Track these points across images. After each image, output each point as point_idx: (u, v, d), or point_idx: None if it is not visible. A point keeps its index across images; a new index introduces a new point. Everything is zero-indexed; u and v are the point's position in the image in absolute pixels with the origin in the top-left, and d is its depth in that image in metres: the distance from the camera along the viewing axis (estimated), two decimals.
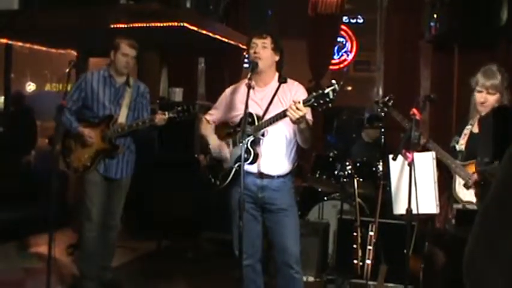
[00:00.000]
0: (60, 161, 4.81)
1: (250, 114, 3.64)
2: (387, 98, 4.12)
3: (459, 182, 3.79)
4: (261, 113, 3.72)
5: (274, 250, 3.95)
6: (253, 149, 3.70)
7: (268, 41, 3.79)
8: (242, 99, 3.71)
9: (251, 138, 3.67)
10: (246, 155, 3.54)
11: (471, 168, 3.72)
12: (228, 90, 4.10)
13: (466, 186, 3.73)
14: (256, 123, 3.69)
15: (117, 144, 4.78)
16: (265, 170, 3.79)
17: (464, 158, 3.79)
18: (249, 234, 3.68)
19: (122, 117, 4.77)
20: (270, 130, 3.70)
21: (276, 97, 3.72)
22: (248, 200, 3.73)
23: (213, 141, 3.99)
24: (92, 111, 4.77)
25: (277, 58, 3.86)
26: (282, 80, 3.74)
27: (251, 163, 3.71)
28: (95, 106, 4.76)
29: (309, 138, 3.71)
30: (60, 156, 4.80)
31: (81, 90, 4.76)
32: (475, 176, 3.66)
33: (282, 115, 3.49)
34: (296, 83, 3.90)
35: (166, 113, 4.64)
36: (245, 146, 3.51)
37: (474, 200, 3.72)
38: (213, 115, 4.12)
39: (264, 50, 3.77)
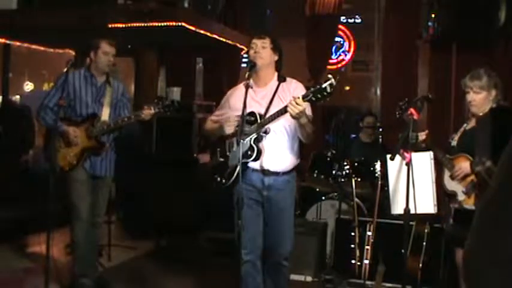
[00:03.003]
0: (44, 159, 4.86)
1: (253, 113, 3.82)
2: (402, 102, 4.26)
3: (447, 174, 3.95)
4: (262, 112, 3.85)
5: (266, 244, 4.04)
6: (257, 146, 3.82)
7: (267, 41, 3.95)
8: (244, 99, 3.86)
9: (254, 135, 3.80)
10: (249, 152, 3.77)
11: (457, 161, 3.88)
12: (230, 91, 4.23)
13: (451, 177, 3.90)
14: (259, 121, 3.82)
15: (103, 142, 4.83)
16: (271, 167, 3.90)
17: (456, 152, 3.95)
18: (251, 230, 3.88)
19: (105, 116, 4.84)
20: (273, 127, 3.82)
21: (276, 96, 3.88)
22: (252, 197, 3.90)
23: (222, 126, 4.01)
24: (75, 110, 4.81)
25: (276, 58, 4.01)
26: (281, 79, 3.94)
27: (254, 160, 3.84)
28: (77, 105, 4.81)
29: (310, 133, 3.84)
30: (43, 156, 4.86)
31: (63, 90, 4.72)
32: (459, 167, 3.84)
33: (283, 111, 3.62)
34: (294, 81, 4.04)
35: (152, 107, 4.70)
36: (248, 144, 3.78)
37: (457, 190, 3.86)
38: (218, 115, 4.23)
39: (263, 50, 3.92)
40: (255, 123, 3.82)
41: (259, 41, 3.95)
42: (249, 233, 3.86)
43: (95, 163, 4.85)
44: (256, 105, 3.87)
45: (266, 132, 3.82)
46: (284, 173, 3.94)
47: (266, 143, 3.86)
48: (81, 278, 4.86)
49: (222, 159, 4.03)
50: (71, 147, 4.76)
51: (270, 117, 3.77)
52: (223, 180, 3.96)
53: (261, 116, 3.83)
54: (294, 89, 3.88)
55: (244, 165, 3.80)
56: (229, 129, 3.95)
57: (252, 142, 3.81)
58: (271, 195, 3.92)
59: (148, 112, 4.69)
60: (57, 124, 4.65)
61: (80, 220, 4.79)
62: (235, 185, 3.89)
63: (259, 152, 3.82)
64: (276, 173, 3.91)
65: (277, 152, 3.89)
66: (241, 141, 3.67)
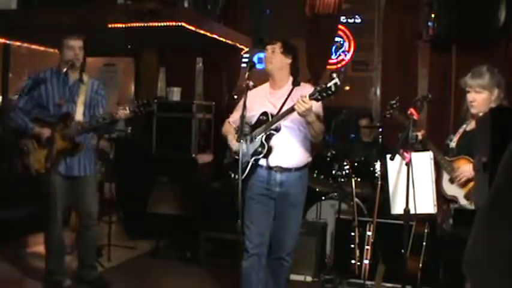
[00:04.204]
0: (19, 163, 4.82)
1: (266, 113, 4.05)
2: (393, 101, 4.28)
3: (445, 177, 3.86)
4: (275, 113, 4.03)
5: (272, 238, 4.17)
6: (267, 144, 4.01)
7: (277, 46, 4.13)
8: (259, 101, 4.10)
9: (264, 133, 4.00)
10: (260, 149, 4.00)
11: (458, 164, 3.80)
12: (248, 93, 4.31)
13: (451, 180, 3.82)
14: (270, 120, 4.02)
15: (78, 143, 4.77)
16: (283, 164, 4.06)
17: (455, 155, 3.86)
18: (260, 225, 4.07)
19: (79, 115, 4.77)
20: (285, 125, 4.00)
21: (289, 98, 4.03)
22: (264, 193, 4.08)
23: (233, 139, 4.25)
24: (48, 111, 4.75)
25: (288, 61, 4.15)
26: (295, 84, 4.12)
27: (265, 157, 4.02)
28: (50, 105, 4.74)
29: (319, 132, 4.01)
30: (16, 158, 4.81)
31: (34, 91, 4.72)
32: (461, 171, 3.74)
33: (291, 110, 3.80)
34: (308, 85, 4.25)
35: (127, 107, 4.68)
36: (259, 141, 4.02)
37: (458, 194, 3.78)
38: (234, 116, 4.36)
39: (273, 55, 4.12)
40: (266, 122, 4.01)
41: (269, 46, 4.14)
42: (258, 227, 4.05)
43: (71, 164, 4.79)
44: (270, 107, 4.09)
45: (277, 130, 4.00)
46: (296, 169, 4.09)
47: (279, 141, 4.03)
48: (53, 276, 4.88)
49: (236, 157, 4.14)
50: (46, 149, 4.69)
51: (278, 116, 3.96)
52: (236, 176, 4.08)
53: (272, 116, 4.02)
54: (306, 93, 3.96)
55: (256, 162, 4.05)
56: (235, 147, 4.16)
57: (263, 140, 4.01)
58: (283, 191, 4.08)
59: (122, 112, 4.65)
60: (29, 125, 4.67)
61: (55, 223, 4.75)
62: (248, 181, 4.09)
63: (270, 149, 4.01)
64: (289, 170, 4.07)
65: (290, 149, 4.06)
66: (242, 141, 3.85)
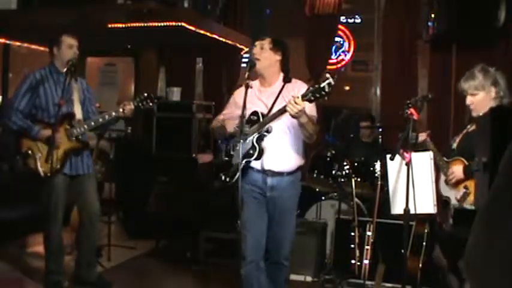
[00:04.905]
0: (21, 165, 4.76)
1: (256, 113, 3.90)
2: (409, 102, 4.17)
3: (443, 178, 3.87)
4: (266, 111, 3.90)
5: (268, 244, 4.06)
6: (259, 145, 3.88)
7: (266, 42, 3.98)
8: (249, 99, 3.91)
9: (256, 134, 3.86)
10: (251, 151, 3.85)
11: (454, 165, 3.80)
12: (237, 91, 4.24)
13: (446, 182, 3.83)
14: (261, 120, 3.88)
15: (85, 141, 4.79)
16: (275, 167, 3.93)
17: (454, 156, 3.86)
18: (255, 230, 3.94)
19: (78, 114, 4.77)
20: (276, 126, 3.86)
21: (280, 96, 3.91)
22: (256, 197, 3.97)
23: (225, 127, 4.10)
24: (48, 111, 4.69)
25: (278, 58, 4.01)
26: (286, 80, 3.99)
27: (256, 159, 3.89)
28: (50, 105, 4.69)
29: (312, 133, 3.86)
30: (21, 161, 4.75)
31: (33, 92, 4.68)
32: (451, 172, 3.76)
33: (283, 110, 3.67)
34: (300, 82, 4.08)
35: (132, 102, 4.68)
36: (250, 143, 3.87)
37: (450, 195, 3.80)
38: (225, 115, 4.26)
39: (261, 51, 3.97)
40: (257, 123, 3.87)
41: (258, 42, 4.02)
42: (253, 233, 3.93)
43: (76, 163, 4.78)
44: (261, 105, 3.95)
45: (268, 131, 3.86)
46: (288, 174, 3.97)
47: (270, 143, 3.90)
48: (53, 275, 4.84)
49: (226, 158, 4.07)
50: (51, 151, 4.58)
51: (270, 117, 3.82)
52: (227, 179, 3.99)
53: (263, 115, 3.89)
54: (298, 90, 3.86)
55: (248, 165, 3.90)
56: (230, 127, 4.01)
57: (254, 141, 3.87)
58: (274, 195, 3.96)
59: (129, 108, 4.65)
60: (34, 128, 4.62)
61: (56, 223, 4.73)
62: (237, 183, 3.95)
63: (261, 151, 3.88)
64: (280, 174, 3.94)
65: (281, 152, 3.93)
66: (241, 140, 3.72)
